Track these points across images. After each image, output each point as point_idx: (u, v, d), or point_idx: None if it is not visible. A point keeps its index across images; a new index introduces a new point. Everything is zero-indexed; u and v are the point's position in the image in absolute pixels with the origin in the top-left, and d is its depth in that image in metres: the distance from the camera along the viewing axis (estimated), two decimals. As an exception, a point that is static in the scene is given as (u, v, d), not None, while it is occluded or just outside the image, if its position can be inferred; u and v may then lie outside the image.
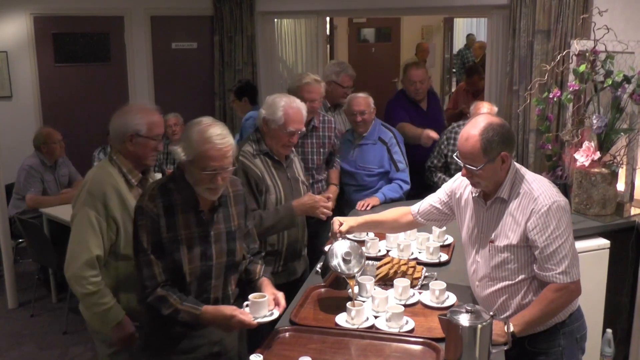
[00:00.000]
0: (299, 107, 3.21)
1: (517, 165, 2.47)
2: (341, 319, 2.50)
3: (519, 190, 2.38)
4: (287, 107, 3.15)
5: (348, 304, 2.50)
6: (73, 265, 2.59)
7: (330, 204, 3.26)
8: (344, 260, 2.61)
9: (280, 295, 2.46)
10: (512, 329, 2.29)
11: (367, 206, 3.98)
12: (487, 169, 2.34)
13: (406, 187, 4.20)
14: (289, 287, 3.07)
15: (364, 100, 4.19)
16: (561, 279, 2.32)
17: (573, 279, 2.33)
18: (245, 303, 2.40)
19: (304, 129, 3.27)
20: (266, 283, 2.57)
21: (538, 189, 2.35)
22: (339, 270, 2.60)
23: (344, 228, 2.73)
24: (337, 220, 2.76)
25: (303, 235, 3.40)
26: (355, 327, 2.44)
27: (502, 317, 2.30)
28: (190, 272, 2.39)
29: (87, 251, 2.57)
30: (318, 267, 3.03)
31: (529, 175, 2.42)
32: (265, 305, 2.37)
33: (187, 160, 2.34)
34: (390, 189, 4.16)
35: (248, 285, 2.63)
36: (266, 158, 3.20)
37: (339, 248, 2.64)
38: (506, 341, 2.24)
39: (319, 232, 3.80)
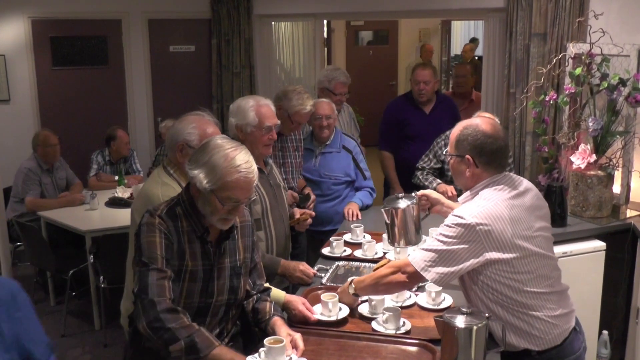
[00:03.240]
0: (267, 103, 3.14)
1: (499, 185, 2.32)
2: (318, 314, 2.52)
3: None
4: (256, 106, 3.07)
5: (322, 297, 2.52)
6: None
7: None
8: (397, 198, 2.72)
9: (298, 337, 2.22)
10: (352, 290, 2.48)
11: (354, 214, 3.88)
12: (454, 161, 2.41)
13: (374, 194, 4.17)
14: None
15: (328, 105, 4.07)
16: (412, 254, 2.30)
17: (415, 265, 2.26)
18: (262, 349, 2.13)
19: (278, 121, 3.15)
20: (279, 323, 2.31)
21: (470, 204, 2.28)
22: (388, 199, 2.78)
23: (422, 192, 2.83)
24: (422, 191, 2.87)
25: (288, 245, 3.33)
26: (332, 319, 2.47)
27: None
28: (184, 307, 2.18)
29: None
30: (315, 269, 3.07)
31: (486, 193, 2.29)
32: (282, 352, 2.11)
33: (209, 190, 2.12)
34: (364, 195, 4.09)
35: (257, 326, 2.41)
36: None
37: (406, 197, 2.74)
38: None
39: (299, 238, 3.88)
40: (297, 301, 2.55)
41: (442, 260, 2.23)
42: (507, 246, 2.21)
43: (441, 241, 2.23)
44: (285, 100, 3.64)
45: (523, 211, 2.29)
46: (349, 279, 2.59)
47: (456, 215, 2.23)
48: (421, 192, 2.84)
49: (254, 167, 2.17)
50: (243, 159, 2.13)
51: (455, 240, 2.21)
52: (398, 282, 2.35)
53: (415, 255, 2.29)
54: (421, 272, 2.25)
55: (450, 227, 2.23)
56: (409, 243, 2.74)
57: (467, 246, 2.20)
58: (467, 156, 2.33)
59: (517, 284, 2.25)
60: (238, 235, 2.35)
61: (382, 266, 2.91)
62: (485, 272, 2.24)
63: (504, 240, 2.20)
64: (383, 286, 2.43)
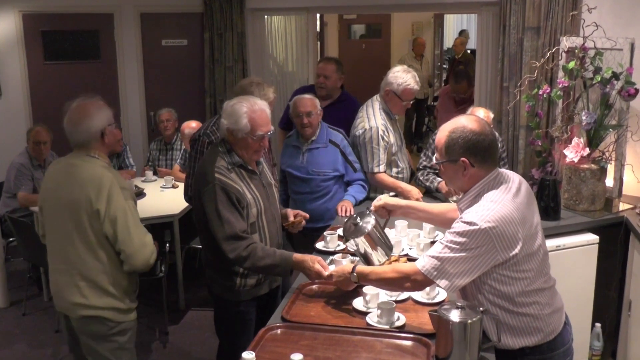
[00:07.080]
0: (262, 108, 2.97)
1: (501, 185, 2.28)
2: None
3: (472, 206, 2.25)
4: (250, 112, 2.89)
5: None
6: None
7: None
8: (354, 224, 2.75)
9: None
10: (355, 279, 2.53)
11: (348, 211, 3.83)
12: (446, 167, 2.32)
13: (367, 187, 4.09)
14: (271, 294, 3.17)
15: (310, 102, 3.97)
16: (420, 262, 2.26)
17: (428, 274, 2.22)
18: None
19: (272, 129, 3.02)
20: None
21: (477, 208, 2.20)
22: (344, 229, 2.83)
23: (378, 203, 2.83)
24: (379, 197, 2.91)
25: (281, 244, 3.25)
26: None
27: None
28: None
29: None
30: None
31: (492, 195, 2.24)
32: None
33: None
34: (357, 190, 4.02)
35: None
36: (241, 170, 2.96)
37: (362, 217, 2.76)
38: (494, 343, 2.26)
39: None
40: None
41: (456, 267, 2.18)
42: (517, 247, 2.18)
43: (453, 249, 2.18)
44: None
45: (525, 209, 2.27)
46: (346, 263, 2.73)
47: (467, 222, 2.16)
48: (379, 204, 2.85)
49: None
50: None
51: (468, 247, 2.16)
52: (403, 287, 2.38)
53: (426, 264, 2.23)
54: (436, 281, 2.22)
55: (461, 233, 2.16)
56: (386, 256, 2.76)
57: (481, 252, 2.15)
58: (462, 159, 2.25)
59: (521, 283, 2.24)
60: None
61: (395, 260, 2.90)
62: (493, 274, 2.23)
63: (515, 242, 2.18)
64: (386, 287, 2.51)
